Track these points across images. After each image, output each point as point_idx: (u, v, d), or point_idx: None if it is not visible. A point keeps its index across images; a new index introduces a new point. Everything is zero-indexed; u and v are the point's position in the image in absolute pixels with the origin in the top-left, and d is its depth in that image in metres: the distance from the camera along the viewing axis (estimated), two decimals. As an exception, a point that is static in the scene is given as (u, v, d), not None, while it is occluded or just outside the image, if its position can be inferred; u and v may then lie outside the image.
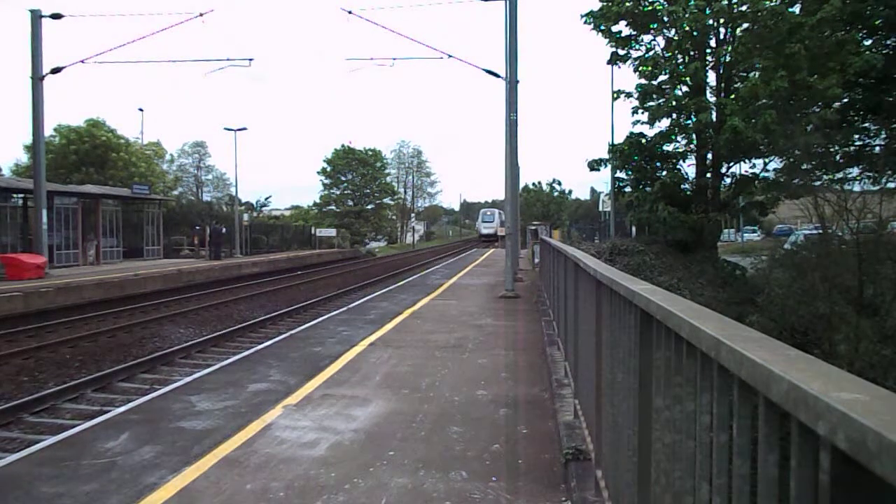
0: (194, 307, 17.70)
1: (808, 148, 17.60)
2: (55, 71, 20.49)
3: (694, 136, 19.48)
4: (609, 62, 20.84)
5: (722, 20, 18.26)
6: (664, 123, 19.55)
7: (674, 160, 20.03)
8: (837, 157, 19.62)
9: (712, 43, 19.09)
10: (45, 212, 20.81)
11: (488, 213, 73.77)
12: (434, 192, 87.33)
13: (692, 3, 17.96)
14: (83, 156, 36.83)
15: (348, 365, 7.40)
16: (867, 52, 17.58)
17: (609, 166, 21.60)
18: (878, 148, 19.55)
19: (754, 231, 52.06)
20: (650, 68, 19.19)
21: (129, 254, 30.52)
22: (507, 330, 9.90)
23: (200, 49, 76.42)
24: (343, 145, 66.22)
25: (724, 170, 19.80)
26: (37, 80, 20.30)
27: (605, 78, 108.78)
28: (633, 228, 29.34)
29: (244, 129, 39.43)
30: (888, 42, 18.49)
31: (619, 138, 21.53)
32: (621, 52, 20.35)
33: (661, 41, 19.73)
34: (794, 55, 16.27)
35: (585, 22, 19.74)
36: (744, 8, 17.55)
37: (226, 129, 39.56)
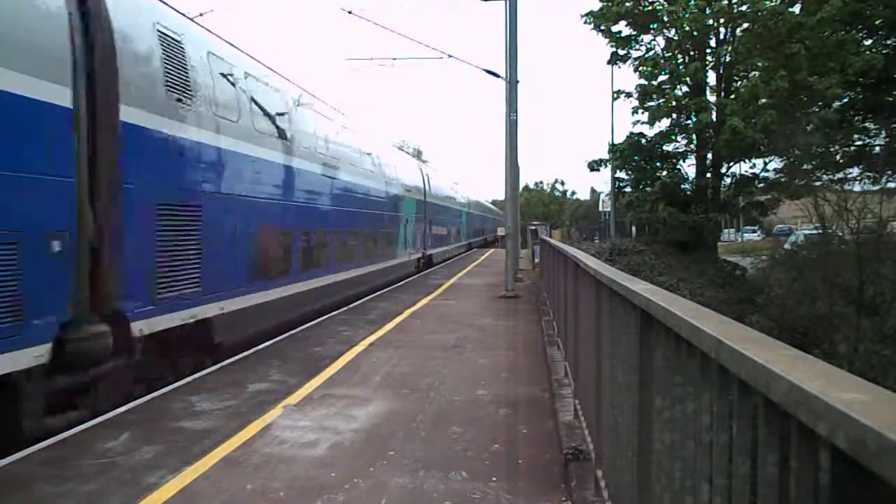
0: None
1: (808, 148, 17.63)
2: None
3: (694, 136, 19.51)
4: (609, 62, 20.88)
5: (722, 20, 18.28)
6: (664, 123, 19.60)
7: (674, 160, 20.05)
8: (837, 157, 19.65)
9: (712, 43, 19.11)
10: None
11: None
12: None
13: (692, 3, 17.99)
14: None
15: (348, 365, 7.39)
16: (867, 52, 17.61)
17: (609, 166, 21.62)
18: (878, 148, 19.58)
19: (754, 231, 52.04)
20: (650, 68, 19.21)
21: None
22: (507, 330, 9.89)
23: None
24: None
25: (724, 170, 19.83)
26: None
27: (606, 78, 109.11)
28: (633, 228, 29.38)
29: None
30: (888, 42, 18.51)
31: (620, 138, 21.58)
32: (621, 52, 20.39)
33: (661, 41, 19.78)
34: (794, 55, 16.30)
35: (585, 22, 19.78)
36: (744, 8, 17.57)
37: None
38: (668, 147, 20.04)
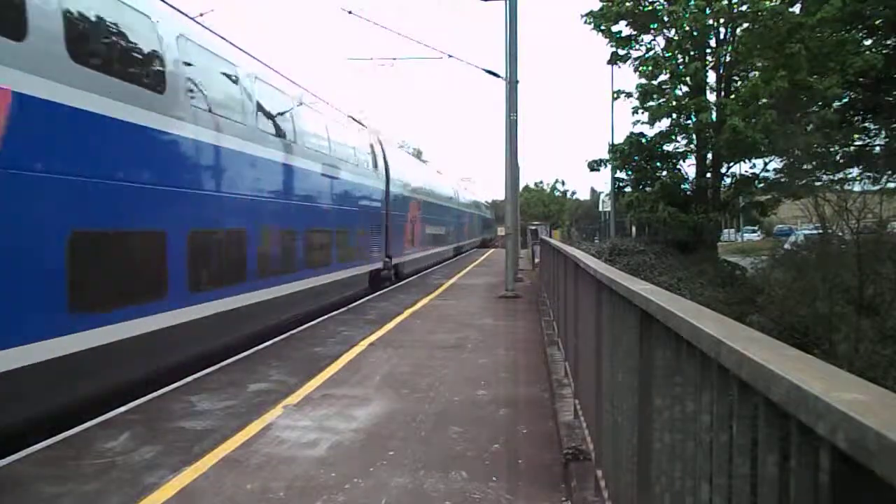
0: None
1: (809, 148, 17.62)
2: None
3: (694, 136, 19.49)
4: (609, 62, 20.86)
5: (722, 20, 18.27)
6: (664, 123, 19.57)
7: (674, 160, 20.04)
8: (837, 157, 19.65)
9: (712, 43, 19.10)
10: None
11: None
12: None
13: (692, 3, 17.98)
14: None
15: (348, 365, 7.39)
16: (867, 52, 17.60)
17: (609, 166, 21.61)
18: (878, 148, 19.58)
19: (754, 231, 52.04)
20: (650, 68, 19.19)
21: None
22: (507, 330, 9.89)
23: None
24: (342, 145, 65.78)
25: (724, 170, 19.82)
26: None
27: (606, 78, 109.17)
28: (633, 228, 29.36)
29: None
30: (888, 42, 18.50)
31: (620, 138, 21.57)
32: (621, 52, 20.37)
33: (661, 41, 19.75)
34: (794, 55, 16.29)
35: (585, 22, 19.76)
36: (744, 8, 17.57)
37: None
38: (668, 147, 20.02)
